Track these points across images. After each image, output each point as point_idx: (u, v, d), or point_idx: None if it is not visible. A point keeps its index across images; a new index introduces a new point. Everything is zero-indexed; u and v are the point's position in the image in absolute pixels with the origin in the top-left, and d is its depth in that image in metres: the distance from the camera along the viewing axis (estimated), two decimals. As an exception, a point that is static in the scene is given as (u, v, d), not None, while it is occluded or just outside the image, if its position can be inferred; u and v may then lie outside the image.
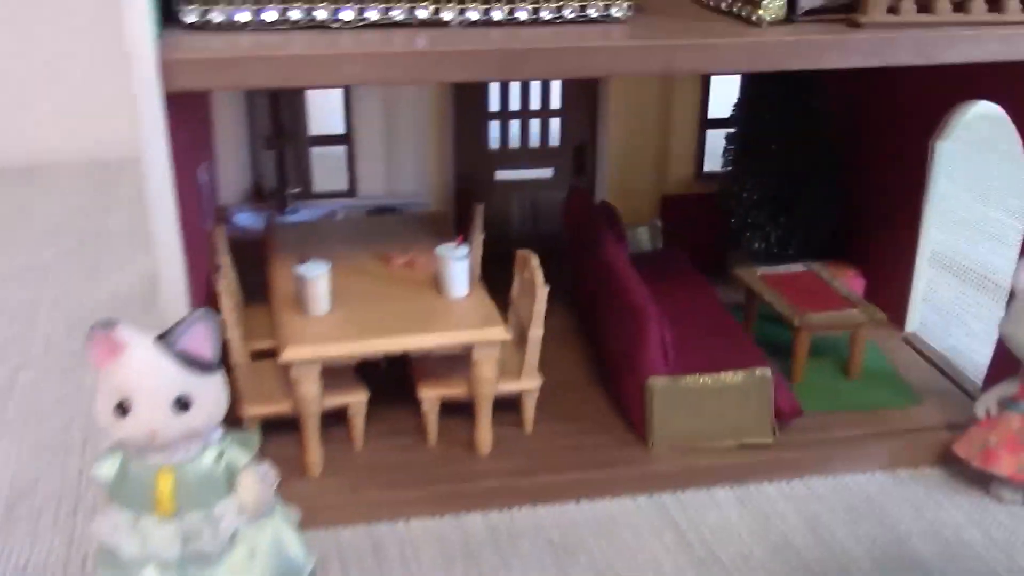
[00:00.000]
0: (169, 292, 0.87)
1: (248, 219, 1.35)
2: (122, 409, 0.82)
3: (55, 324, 1.38)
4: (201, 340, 0.85)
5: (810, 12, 0.91)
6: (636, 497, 1.04)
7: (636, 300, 1.05)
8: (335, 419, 1.05)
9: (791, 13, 0.90)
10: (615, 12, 0.90)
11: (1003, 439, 1.03)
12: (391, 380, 1.09)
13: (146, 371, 0.82)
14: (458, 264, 1.02)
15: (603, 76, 1.34)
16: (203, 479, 0.85)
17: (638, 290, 1.06)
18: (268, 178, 1.36)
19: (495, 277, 1.12)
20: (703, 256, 1.37)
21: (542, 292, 1.01)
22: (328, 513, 0.98)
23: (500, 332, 0.98)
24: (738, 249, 1.39)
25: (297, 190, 1.38)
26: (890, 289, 1.32)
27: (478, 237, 1.14)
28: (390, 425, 1.09)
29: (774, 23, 0.90)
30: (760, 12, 0.89)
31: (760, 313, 1.26)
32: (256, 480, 0.87)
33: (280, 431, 1.06)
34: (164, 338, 0.84)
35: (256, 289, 1.17)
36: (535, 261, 1.03)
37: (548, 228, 1.45)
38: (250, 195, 1.37)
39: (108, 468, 0.85)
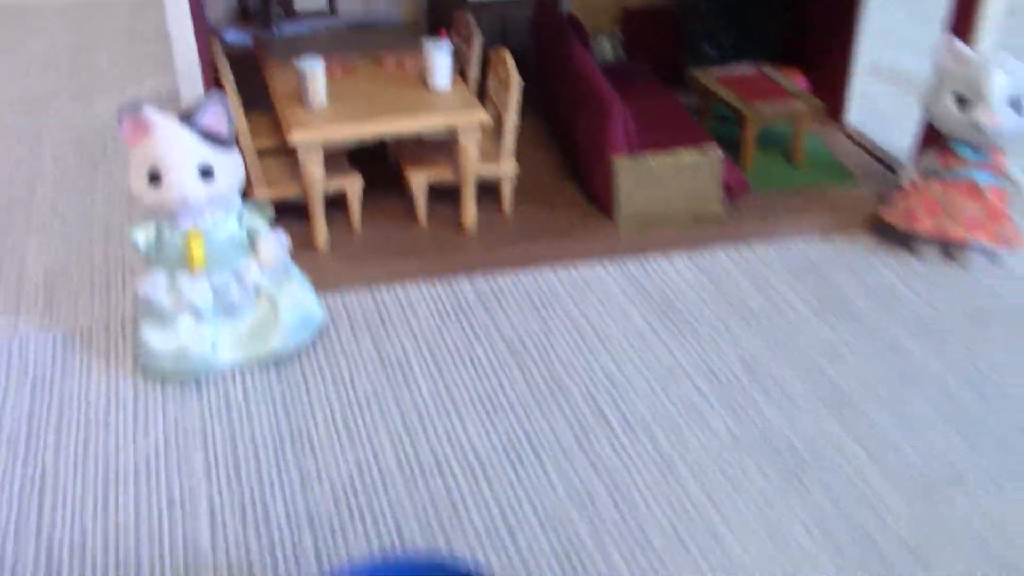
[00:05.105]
0: (186, 71, 0.98)
1: (235, 36, 1.44)
2: (154, 177, 0.93)
3: (60, 145, 1.48)
4: (218, 118, 0.96)
5: None
6: (605, 264, 1.18)
7: (601, 89, 1.17)
8: (335, 206, 1.17)
9: None
10: None
11: (924, 203, 1.17)
12: (381, 174, 1.21)
13: (174, 143, 0.94)
14: (442, 56, 1.12)
15: None
16: (228, 240, 0.98)
17: (602, 82, 1.18)
18: None
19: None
20: (661, 66, 1.48)
21: (516, 84, 1.12)
22: (335, 281, 1.12)
23: (481, 115, 1.10)
24: (695, 58, 1.51)
25: (279, 10, 1.46)
26: (831, 88, 1.44)
27: (477, 40, 1.24)
28: (384, 212, 1.22)
29: None
30: None
31: (714, 114, 1.39)
32: (273, 240, 1.00)
33: (288, 215, 1.18)
34: (186, 117, 0.95)
35: (250, 100, 1.27)
36: (509, 58, 1.14)
37: (517, 45, 1.55)
38: (236, 15, 1.45)
39: (145, 235, 0.98)
